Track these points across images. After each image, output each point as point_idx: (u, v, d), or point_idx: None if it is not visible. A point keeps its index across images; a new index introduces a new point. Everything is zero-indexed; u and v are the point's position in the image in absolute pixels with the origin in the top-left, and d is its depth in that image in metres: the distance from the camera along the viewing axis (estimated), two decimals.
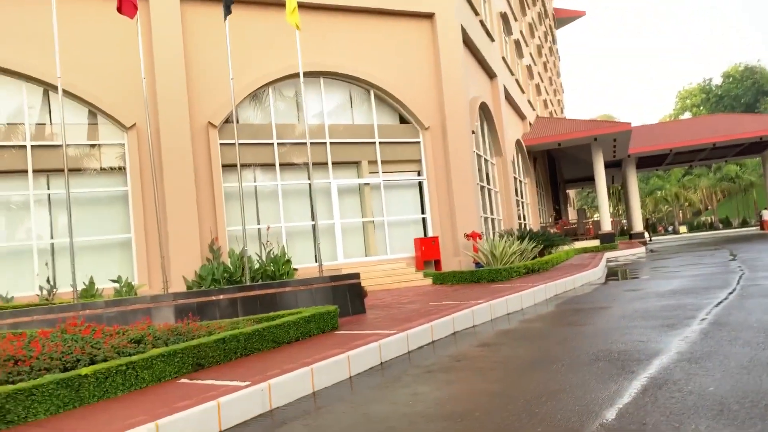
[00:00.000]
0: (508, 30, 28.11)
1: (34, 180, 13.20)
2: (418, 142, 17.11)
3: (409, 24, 17.13)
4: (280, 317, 7.33)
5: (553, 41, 59.37)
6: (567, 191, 55.97)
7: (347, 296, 9.24)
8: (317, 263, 10.40)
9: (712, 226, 63.62)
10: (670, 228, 67.57)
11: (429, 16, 17.28)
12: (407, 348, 6.62)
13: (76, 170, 13.44)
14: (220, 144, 14.51)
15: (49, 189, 13.43)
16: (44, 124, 13.49)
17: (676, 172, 67.66)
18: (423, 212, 17.19)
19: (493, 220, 21.58)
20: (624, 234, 44.12)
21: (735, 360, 4.70)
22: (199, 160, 14.15)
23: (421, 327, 7.09)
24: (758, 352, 4.88)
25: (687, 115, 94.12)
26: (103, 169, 13.84)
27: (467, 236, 16.36)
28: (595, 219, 39.32)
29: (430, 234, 16.84)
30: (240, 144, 13.97)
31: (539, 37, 44.06)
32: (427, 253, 16.07)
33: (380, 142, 16.75)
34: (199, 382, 5.04)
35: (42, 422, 4.17)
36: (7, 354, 4.81)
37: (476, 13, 20.75)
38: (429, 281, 14.76)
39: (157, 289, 12.55)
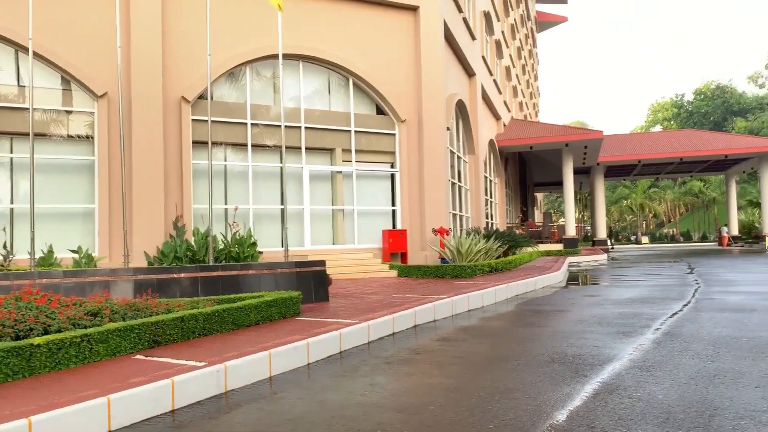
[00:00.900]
0: (490, 29, 28.24)
1: None
2: (394, 134, 17.11)
3: (392, 16, 17.08)
4: (242, 300, 7.29)
5: (534, 44, 59.83)
6: (535, 194, 56.65)
7: (311, 283, 9.22)
8: (283, 248, 10.34)
9: (673, 239, 65.23)
10: (633, 237, 68.96)
11: (413, 9, 17.24)
12: (368, 338, 6.65)
13: (42, 135, 13.10)
14: (193, 120, 14.29)
15: (12, 152, 13.08)
16: (13, 85, 13.12)
17: (643, 183, 69.00)
18: (393, 204, 17.22)
19: (461, 217, 21.74)
20: (587, 240, 44.91)
21: (684, 370, 4.83)
22: (169, 135, 13.92)
23: (383, 318, 7.12)
24: (706, 364, 5.03)
25: (658, 127, 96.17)
26: (70, 137, 13.53)
27: (435, 231, 16.47)
28: (561, 223, 39.99)
29: (399, 226, 16.89)
30: (213, 121, 13.79)
31: (520, 39, 44.35)
32: (395, 246, 16.12)
33: (356, 131, 16.71)
34: (155, 359, 4.99)
35: None
36: None
37: (460, 10, 20.79)
38: (394, 273, 14.81)
39: (117, 262, 12.35)
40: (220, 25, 13.96)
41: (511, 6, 38.43)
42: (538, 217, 55.21)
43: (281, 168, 14.63)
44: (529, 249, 21.55)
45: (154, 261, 10.22)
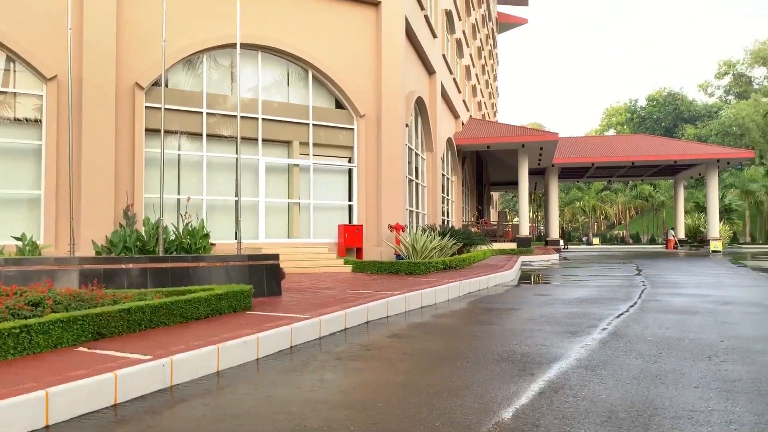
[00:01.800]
0: (451, 28, 28.40)
1: None
2: (352, 129, 17.05)
3: (354, 10, 17.00)
4: (191, 292, 7.15)
5: (494, 45, 60.48)
6: (491, 193, 57.38)
7: (264, 277, 9.11)
8: (237, 240, 10.20)
9: (623, 241, 67.01)
10: (584, 238, 70.54)
11: (375, 5, 17.20)
12: (319, 334, 6.61)
13: None
14: (146, 107, 13.94)
15: None
16: None
17: (596, 185, 70.55)
18: (350, 199, 17.18)
19: (418, 214, 21.83)
20: (540, 240, 45.77)
21: (627, 370, 4.95)
22: (121, 122, 13.56)
23: (335, 314, 7.09)
24: (649, 365, 5.17)
25: (611, 131, 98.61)
26: (17, 120, 13.04)
27: (391, 228, 16.49)
28: (515, 223, 40.58)
29: (355, 222, 16.86)
30: (167, 109, 13.49)
31: (481, 39, 44.75)
32: (350, 241, 16.09)
33: (314, 125, 16.59)
34: (99, 352, 4.85)
35: None
36: None
37: (422, 8, 20.84)
38: (349, 269, 14.78)
39: (63, 251, 11.97)
40: (178, 10, 13.65)
41: (473, 6, 38.72)
42: (493, 215, 55.96)
43: (236, 159, 14.40)
44: (484, 247, 21.79)
45: (102, 251, 9.94)
